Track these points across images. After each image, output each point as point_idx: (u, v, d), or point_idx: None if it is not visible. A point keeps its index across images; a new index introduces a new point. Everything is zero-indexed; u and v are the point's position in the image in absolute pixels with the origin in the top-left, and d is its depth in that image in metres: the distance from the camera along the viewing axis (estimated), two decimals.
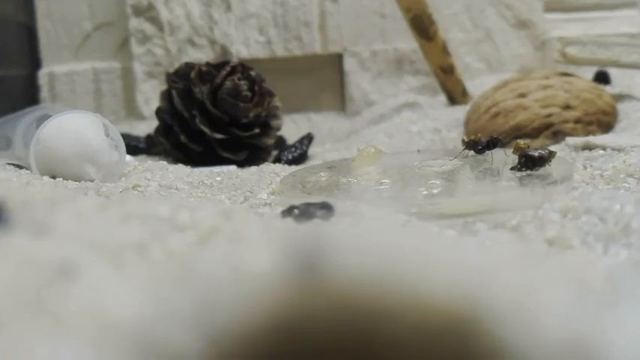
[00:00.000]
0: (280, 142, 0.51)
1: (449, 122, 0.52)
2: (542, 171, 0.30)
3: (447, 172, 0.33)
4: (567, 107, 0.47)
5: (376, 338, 0.10)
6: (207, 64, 0.47)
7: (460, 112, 0.53)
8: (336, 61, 0.62)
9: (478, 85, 0.58)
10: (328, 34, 0.61)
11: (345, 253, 0.11)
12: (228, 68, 0.45)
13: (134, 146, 0.50)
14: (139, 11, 0.60)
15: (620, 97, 0.52)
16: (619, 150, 0.36)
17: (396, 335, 0.10)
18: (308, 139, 0.49)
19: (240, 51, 0.61)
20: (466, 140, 0.37)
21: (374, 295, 0.10)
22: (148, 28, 0.61)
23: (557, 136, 0.46)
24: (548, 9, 0.63)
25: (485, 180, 0.32)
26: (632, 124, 0.47)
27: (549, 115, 0.46)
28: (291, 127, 0.61)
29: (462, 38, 0.63)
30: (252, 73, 0.47)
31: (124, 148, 0.35)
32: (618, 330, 0.10)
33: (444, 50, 0.55)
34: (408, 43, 0.60)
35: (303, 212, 0.25)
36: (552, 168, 0.30)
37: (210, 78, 0.45)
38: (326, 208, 0.25)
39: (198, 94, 0.44)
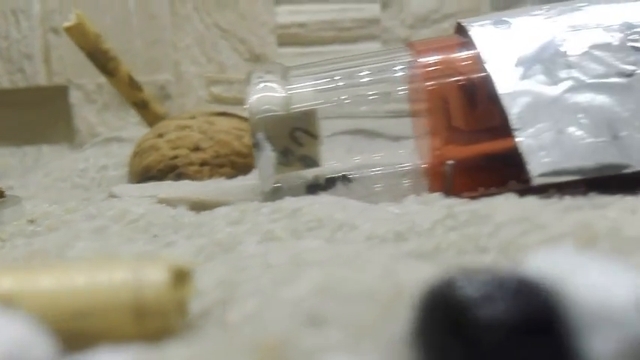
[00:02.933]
0: None
1: (122, 160, 0.52)
2: None
3: None
4: (197, 149, 0.46)
5: None
6: None
7: None
8: (63, 93, 0.62)
9: None
10: (52, 66, 0.61)
11: None
12: None
13: None
14: None
15: None
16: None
17: None
18: None
19: None
20: None
21: None
22: None
23: (181, 178, 0.45)
24: (282, 43, 0.62)
25: None
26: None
27: (175, 157, 0.45)
28: (15, 161, 0.61)
29: (196, 72, 0.62)
30: None
31: None
32: None
33: (132, 85, 0.54)
34: (137, 76, 0.59)
35: None
36: None
37: None
38: None
39: None
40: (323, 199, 0.28)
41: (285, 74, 0.31)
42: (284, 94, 0.30)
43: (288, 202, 0.27)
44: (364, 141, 0.49)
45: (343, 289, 0.14)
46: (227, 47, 0.62)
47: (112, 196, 0.36)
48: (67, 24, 0.51)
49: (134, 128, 0.61)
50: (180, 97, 0.62)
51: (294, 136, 0.29)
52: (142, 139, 0.48)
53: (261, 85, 0.30)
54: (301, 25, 0.62)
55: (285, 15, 0.62)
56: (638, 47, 0.29)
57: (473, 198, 0.27)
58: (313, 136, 0.29)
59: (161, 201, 0.31)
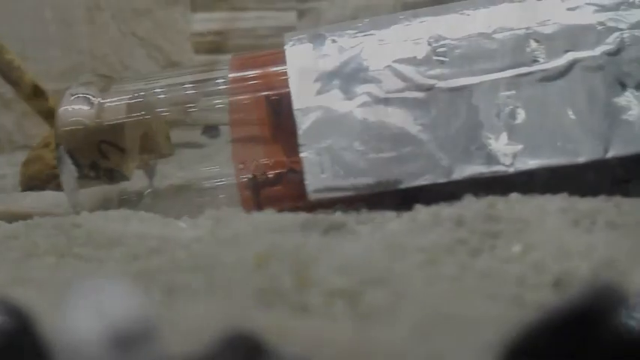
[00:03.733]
0: None
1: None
2: None
3: None
4: None
5: None
6: None
7: None
8: None
9: None
10: None
11: None
12: None
13: None
14: None
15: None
16: None
17: None
18: None
19: None
20: None
21: None
22: None
23: (60, 188, 0.45)
24: (199, 51, 0.62)
25: None
26: None
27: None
28: None
29: None
30: None
31: None
32: None
33: (37, 94, 0.54)
34: (53, 84, 0.60)
35: None
36: None
37: None
38: None
39: None
40: (120, 213, 0.28)
41: (106, 87, 0.32)
42: (93, 107, 0.30)
43: (79, 217, 0.27)
44: None
45: None
46: (144, 55, 0.62)
47: None
48: None
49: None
50: None
51: (101, 150, 0.29)
52: (31, 149, 0.48)
53: (73, 97, 0.30)
54: (218, 32, 0.62)
55: (202, 23, 0.62)
56: (442, 60, 0.29)
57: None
58: (121, 149, 0.30)
59: None
